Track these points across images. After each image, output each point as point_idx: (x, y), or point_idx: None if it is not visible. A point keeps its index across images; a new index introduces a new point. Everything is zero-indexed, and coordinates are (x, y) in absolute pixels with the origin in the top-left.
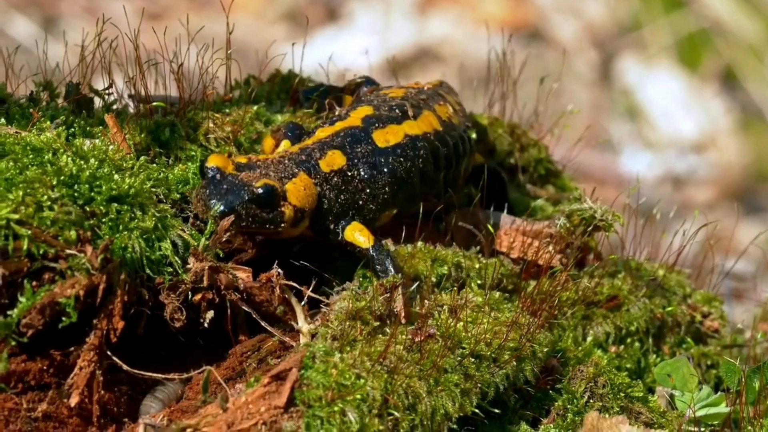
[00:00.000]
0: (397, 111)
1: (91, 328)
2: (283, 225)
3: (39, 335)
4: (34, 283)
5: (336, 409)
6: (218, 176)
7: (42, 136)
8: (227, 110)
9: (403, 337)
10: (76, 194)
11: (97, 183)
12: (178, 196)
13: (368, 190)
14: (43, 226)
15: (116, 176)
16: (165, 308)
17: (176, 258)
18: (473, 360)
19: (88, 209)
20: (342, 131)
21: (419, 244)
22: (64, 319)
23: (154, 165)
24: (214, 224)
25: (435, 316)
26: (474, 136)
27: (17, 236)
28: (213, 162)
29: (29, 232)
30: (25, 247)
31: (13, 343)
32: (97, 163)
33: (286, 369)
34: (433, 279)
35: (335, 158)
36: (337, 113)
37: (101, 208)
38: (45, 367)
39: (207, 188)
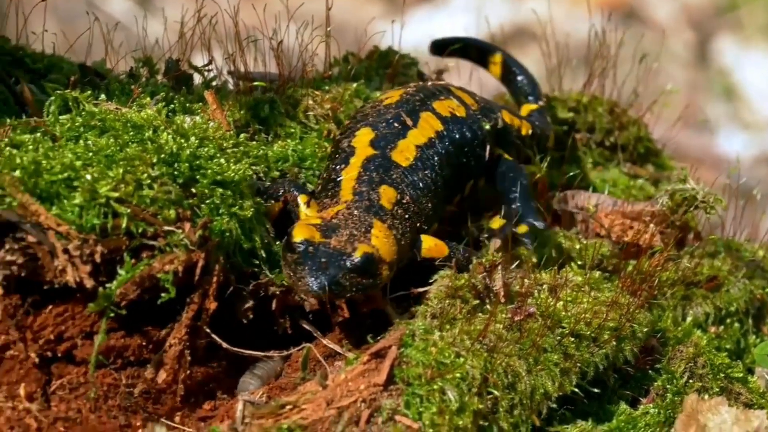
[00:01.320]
0: (395, 125)
1: (184, 306)
2: (381, 283)
3: (137, 313)
4: (133, 261)
5: (435, 387)
6: (310, 249)
7: (142, 112)
8: (326, 87)
9: (503, 316)
10: (176, 173)
11: (197, 162)
12: (277, 173)
13: (418, 210)
14: (142, 205)
15: (222, 160)
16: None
17: (262, 252)
18: (573, 339)
19: (190, 189)
20: (365, 166)
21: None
22: (162, 295)
23: (254, 142)
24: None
25: (535, 295)
26: (487, 127)
27: (116, 214)
28: (300, 235)
29: (128, 210)
30: (124, 225)
31: (112, 315)
32: (197, 141)
33: (386, 347)
34: (534, 259)
35: (389, 193)
36: (333, 143)
37: (205, 190)
38: (144, 344)
39: (303, 264)
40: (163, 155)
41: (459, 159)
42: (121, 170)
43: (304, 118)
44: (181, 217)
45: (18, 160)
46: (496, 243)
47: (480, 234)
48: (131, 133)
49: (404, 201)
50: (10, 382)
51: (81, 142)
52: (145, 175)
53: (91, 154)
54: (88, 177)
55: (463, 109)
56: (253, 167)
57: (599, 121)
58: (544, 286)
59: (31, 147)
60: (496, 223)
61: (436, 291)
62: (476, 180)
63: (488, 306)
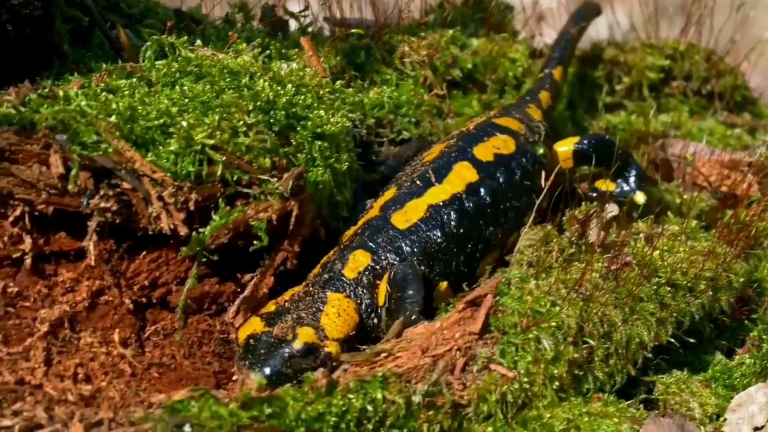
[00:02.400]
0: (418, 182)
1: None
2: (333, 359)
3: (231, 260)
4: (227, 208)
5: (531, 336)
6: (252, 341)
7: (239, 59)
8: (422, 34)
9: (599, 264)
10: (272, 121)
11: (294, 111)
12: (372, 121)
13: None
14: (237, 152)
15: (321, 112)
16: None
17: (345, 210)
18: (669, 289)
19: (285, 137)
20: (360, 228)
21: None
22: (255, 242)
23: (350, 89)
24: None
25: (631, 245)
26: (541, 151)
27: (212, 161)
28: (243, 335)
29: (224, 157)
30: (219, 172)
31: (204, 260)
32: (294, 89)
33: (482, 295)
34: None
35: (358, 259)
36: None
37: (305, 142)
38: (238, 290)
39: (246, 359)
40: (259, 102)
41: (501, 203)
42: (217, 117)
43: (400, 64)
44: (277, 166)
45: (114, 106)
46: (612, 209)
47: (591, 195)
48: (227, 79)
49: (378, 267)
50: (105, 328)
51: (177, 88)
52: (241, 122)
53: (186, 100)
54: (184, 123)
55: (512, 141)
56: (350, 115)
57: (696, 69)
58: (641, 236)
59: (126, 92)
60: (605, 184)
61: (530, 239)
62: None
63: (584, 255)
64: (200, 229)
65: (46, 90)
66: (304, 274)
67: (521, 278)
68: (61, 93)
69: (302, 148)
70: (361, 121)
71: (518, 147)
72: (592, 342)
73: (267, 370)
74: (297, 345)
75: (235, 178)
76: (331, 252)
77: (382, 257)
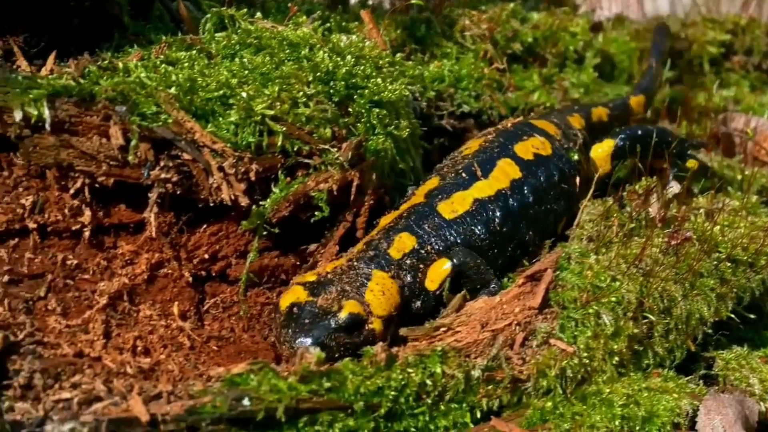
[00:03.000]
0: (464, 175)
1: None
2: (376, 339)
3: (291, 232)
4: (287, 179)
5: (590, 311)
6: (296, 309)
7: (298, 31)
8: (483, 7)
9: (659, 239)
10: (331, 91)
11: (354, 81)
12: (432, 94)
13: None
14: (297, 123)
15: (378, 80)
16: None
17: (412, 175)
18: (729, 264)
19: (345, 108)
20: (405, 212)
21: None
22: (316, 213)
23: (410, 62)
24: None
25: (691, 220)
26: (576, 157)
27: (272, 132)
28: (286, 302)
29: (284, 128)
30: (279, 143)
31: (265, 233)
32: (353, 60)
33: (542, 270)
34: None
35: (404, 241)
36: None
37: (362, 110)
38: (298, 263)
39: (288, 327)
40: (319, 73)
41: (542, 204)
42: (276, 88)
43: (461, 38)
44: (337, 136)
45: (174, 78)
46: (673, 186)
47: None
48: (287, 51)
49: (423, 251)
50: (164, 301)
51: (237, 59)
52: (301, 93)
53: (246, 71)
54: (244, 95)
55: (549, 144)
56: (409, 87)
57: (757, 43)
58: (701, 211)
59: (186, 64)
60: (692, 163)
61: (590, 214)
62: (569, 212)
63: (644, 230)
64: (261, 202)
65: (106, 62)
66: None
67: (581, 253)
68: (120, 65)
69: (361, 117)
70: (421, 93)
71: (554, 150)
72: (651, 317)
73: (309, 340)
74: (342, 316)
75: (295, 149)
76: (374, 231)
77: (427, 243)
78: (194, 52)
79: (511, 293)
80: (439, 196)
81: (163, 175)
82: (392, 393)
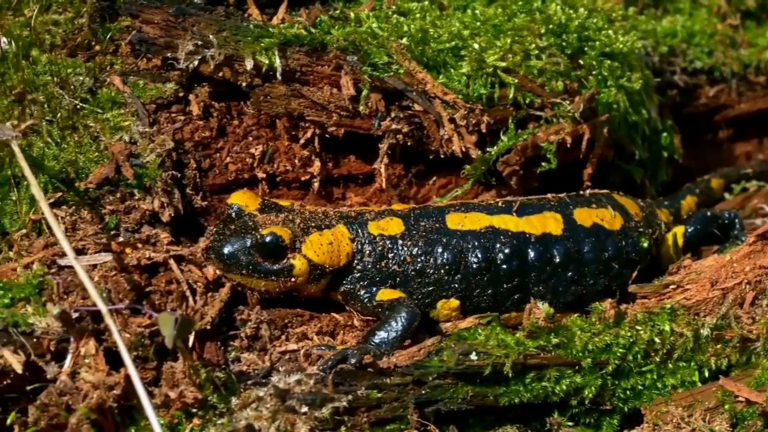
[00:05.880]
0: (500, 204)
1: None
2: (292, 280)
3: None
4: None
5: None
6: (233, 215)
7: None
8: None
9: None
10: (564, 44)
11: (586, 34)
12: (665, 49)
13: (418, 267)
14: (529, 75)
15: (610, 32)
16: None
17: (646, 128)
18: None
19: (577, 60)
20: (418, 207)
21: None
22: (543, 164)
23: (642, 16)
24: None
25: None
26: (645, 245)
27: (503, 84)
28: (235, 199)
29: (516, 80)
30: (511, 95)
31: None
32: (586, 13)
33: None
34: None
35: (391, 225)
36: None
37: (593, 62)
38: None
39: (217, 227)
40: (551, 26)
41: (566, 273)
42: (508, 40)
43: None
44: (568, 89)
45: (405, 28)
46: None
47: None
48: (519, 3)
49: (402, 242)
50: None
51: (468, 11)
52: (533, 45)
53: (478, 23)
54: (476, 46)
55: (620, 221)
56: (642, 41)
57: None
58: None
59: (418, 15)
60: None
61: None
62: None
63: None
64: (487, 149)
65: (338, 11)
66: None
67: None
68: (352, 15)
69: (592, 69)
70: (653, 48)
71: (623, 228)
72: None
73: (223, 248)
74: (264, 232)
75: (527, 101)
76: (374, 205)
77: (411, 239)
78: (426, 2)
79: (741, 252)
80: (456, 207)
81: (393, 126)
82: (620, 350)
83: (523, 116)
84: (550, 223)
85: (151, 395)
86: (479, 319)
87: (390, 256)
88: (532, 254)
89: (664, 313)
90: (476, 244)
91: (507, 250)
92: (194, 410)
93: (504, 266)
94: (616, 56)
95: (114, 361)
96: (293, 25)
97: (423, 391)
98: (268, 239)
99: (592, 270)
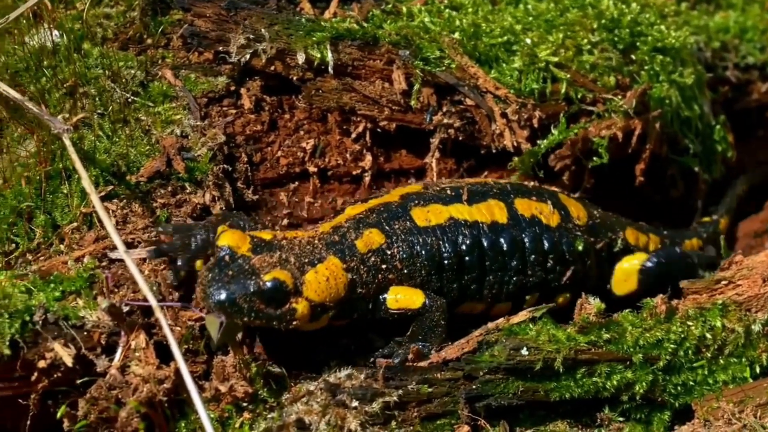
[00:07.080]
0: (448, 192)
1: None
2: (294, 323)
3: None
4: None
5: None
6: (227, 258)
7: None
8: None
9: None
10: (616, 39)
11: (638, 29)
12: (717, 44)
13: (405, 271)
14: (582, 70)
15: (662, 27)
16: None
17: (699, 123)
18: None
19: (629, 56)
20: (376, 207)
21: None
22: (594, 159)
23: (695, 12)
24: (213, 319)
25: None
26: (580, 248)
27: (555, 79)
28: (225, 240)
29: (568, 75)
30: (563, 90)
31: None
32: (638, 8)
33: None
34: None
35: (373, 237)
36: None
37: (645, 57)
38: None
39: (211, 272)
40: (603, 21)
41: (515, 261)
42: (561, 35)
43: None
44: (620, 84)
45: (457, 23)
46: None
47: None
48: None
49: (389, 252)
50: None
51: (521, 5)
52: (585, 40)
53: (530, 18)
54: (528, 41)
55: (557, 218)
56: (694, 36)
57: None
58: None
59: (470, 10)
60: None
61: None
62: (545, 295)
63: None
64: (538, 141)
65: (390, 6)
66: None
67: None
68: (404, 9)
69: (644, 65)
70: (705, 44)
71: (560, 227)
72: None
73: (223, 295)
74: (266, 279)
75: (579, 96)
76: (341, 217)
77: (395, 244)
78: None
79: None
80: (416, 201)
81: (445, 121)
82: (671, 346)
83: (575, 111)
84: (497, 212)
85: (201, 389)
86: (531, 313)
87: (383, 267)
88: (485, 243)
89: (716, 308)
90: (445, 238)
91: (468, 241)
92: (244, 404)
93: (467, 258)
94: (668, 51)
95: (164, 354)
96: (345, 19)
97: (474, 386)
98: (270, 285)
99: (532, 261)
